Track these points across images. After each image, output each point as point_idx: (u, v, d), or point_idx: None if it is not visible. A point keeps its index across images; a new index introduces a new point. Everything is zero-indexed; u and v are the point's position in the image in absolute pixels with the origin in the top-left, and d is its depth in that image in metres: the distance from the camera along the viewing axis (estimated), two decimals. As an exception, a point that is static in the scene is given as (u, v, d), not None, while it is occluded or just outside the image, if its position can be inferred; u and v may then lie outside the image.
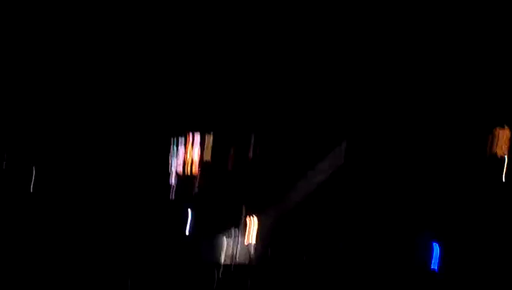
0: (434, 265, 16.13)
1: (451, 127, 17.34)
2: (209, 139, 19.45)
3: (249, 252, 18.17)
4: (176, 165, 19.20)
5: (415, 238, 16.79)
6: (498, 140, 16.43)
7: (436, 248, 16.26)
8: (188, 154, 19.12)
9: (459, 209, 16.70)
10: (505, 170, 16.23)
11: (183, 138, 19.80)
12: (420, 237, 16.67)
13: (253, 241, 18.42)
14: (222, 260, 18.07)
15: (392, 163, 17.80)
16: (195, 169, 19.39)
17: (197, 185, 19.12)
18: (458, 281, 15.39)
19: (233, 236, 18.78)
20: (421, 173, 17.51)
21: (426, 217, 17.11)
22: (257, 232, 18.66)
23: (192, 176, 19.39)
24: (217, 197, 19.12)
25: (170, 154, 19.26)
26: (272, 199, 19.00)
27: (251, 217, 18.74)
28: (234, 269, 16.83)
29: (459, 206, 16.72)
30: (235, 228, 18.83)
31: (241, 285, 15.92)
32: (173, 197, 18.64)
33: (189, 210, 18.53)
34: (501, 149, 16.33)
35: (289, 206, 18.88)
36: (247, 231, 18.70)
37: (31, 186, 18.38)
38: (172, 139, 19.56)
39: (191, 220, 18.43)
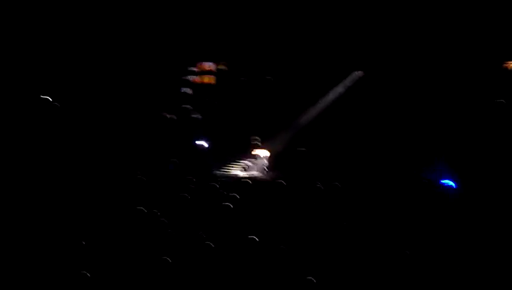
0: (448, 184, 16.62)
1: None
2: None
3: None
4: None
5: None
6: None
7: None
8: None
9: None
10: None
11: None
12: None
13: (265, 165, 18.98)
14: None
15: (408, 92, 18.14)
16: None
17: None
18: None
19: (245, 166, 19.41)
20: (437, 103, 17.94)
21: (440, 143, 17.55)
22: (269, 159, 19.17)
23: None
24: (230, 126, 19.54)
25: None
26: (283, 125, 19.39)
27: (261, 144, 19.20)
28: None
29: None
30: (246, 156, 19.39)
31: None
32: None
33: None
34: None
35: (300, 131, 19.33)
36: (257, 158, 19.21)
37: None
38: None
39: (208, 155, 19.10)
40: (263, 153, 19.16)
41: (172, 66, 20.07)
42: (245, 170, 19.27)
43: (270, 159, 19.15)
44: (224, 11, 19.52)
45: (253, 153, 19.28)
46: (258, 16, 19.34)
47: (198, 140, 19.33)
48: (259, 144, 19.20)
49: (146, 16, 19.72)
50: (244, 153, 19.39)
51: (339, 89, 19.15)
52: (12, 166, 16.46)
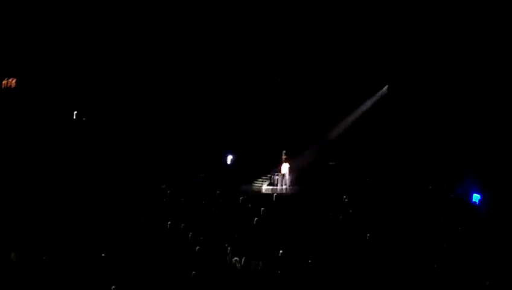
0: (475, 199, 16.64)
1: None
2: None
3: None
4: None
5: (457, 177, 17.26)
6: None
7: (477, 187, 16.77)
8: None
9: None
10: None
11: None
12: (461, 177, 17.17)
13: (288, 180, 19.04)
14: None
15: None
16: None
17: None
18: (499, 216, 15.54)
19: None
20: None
21: (468, 157, 17.52)
22: (296, 173, 19.23)
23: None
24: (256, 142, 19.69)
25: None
26: (309, 141, 19.49)
27: (287, 159, 19.26)
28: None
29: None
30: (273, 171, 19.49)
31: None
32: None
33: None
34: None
35: (325, 146, 19.41)
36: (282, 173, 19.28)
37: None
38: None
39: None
40: (290, 167, 19.23)
41: (201, 83, 20.35)
42: (272, 185, 19.38)
43: (297, 173, 19.25)
44: (260, 31, 19.92)
45: (280, 167, 19.37)
46: (289, 35, 19.64)
47: (226, 155, 19.50)
48: (287, 158, 19.28)
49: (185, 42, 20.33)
50: (271, 167, 19.51)
51: (367, 104, 19.25)
52: (44, 182, 16.87)
